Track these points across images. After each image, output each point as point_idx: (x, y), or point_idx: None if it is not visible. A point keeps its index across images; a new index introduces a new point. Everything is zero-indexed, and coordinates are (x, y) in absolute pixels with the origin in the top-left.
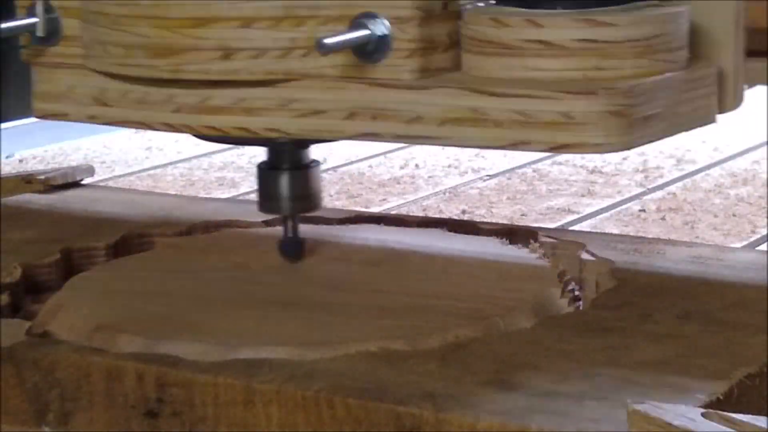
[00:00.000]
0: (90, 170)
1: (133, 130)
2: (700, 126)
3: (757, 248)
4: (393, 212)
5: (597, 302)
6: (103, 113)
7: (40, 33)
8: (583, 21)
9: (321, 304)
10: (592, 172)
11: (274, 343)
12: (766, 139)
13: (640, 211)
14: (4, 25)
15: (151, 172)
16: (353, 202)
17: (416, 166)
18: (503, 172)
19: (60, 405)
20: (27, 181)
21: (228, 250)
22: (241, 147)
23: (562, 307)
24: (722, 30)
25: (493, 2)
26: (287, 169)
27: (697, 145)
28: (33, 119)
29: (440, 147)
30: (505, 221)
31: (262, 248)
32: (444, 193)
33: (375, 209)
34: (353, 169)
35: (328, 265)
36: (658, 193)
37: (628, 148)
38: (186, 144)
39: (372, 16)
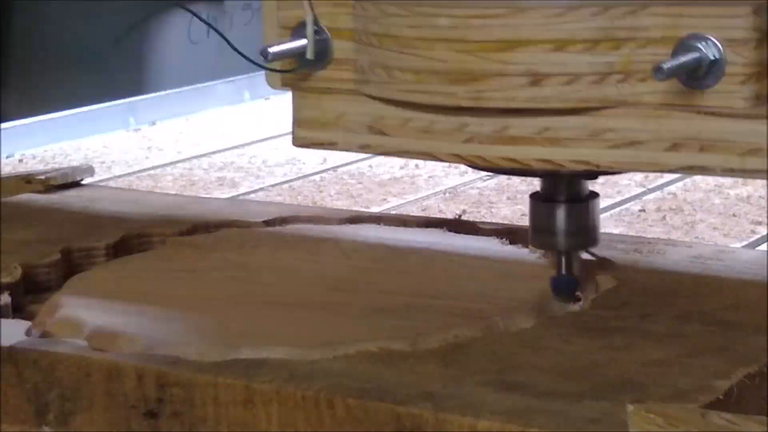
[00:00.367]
0: (90, 170)
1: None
2: None
3: (757, 248)
4: (393, 212)
5: (597, 302)
6: (380, 142)
7: (309, 56)
8: None
9: (321, 304)
10: None
11: (274, 343)
12: None
13: (640, 211)
14: (273, 50)
15: (151, 172)
16: (353, 202)
17: (416, 166)
18: None
19: (60, 405)
20: (27, 181)
21: (228, 250)
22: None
23: (562, 308)
24: None
25: None
26: (564, 201)
27: None
28: (33, 119)
29: None
30: (505, 221)
31: (262, 248)
32: (444, 193)
33: (375, 209)
34: (353, 169)
35: (328, 265)
36: (658, 193)
37: None
38: (186, 144)
39: (702, 38)
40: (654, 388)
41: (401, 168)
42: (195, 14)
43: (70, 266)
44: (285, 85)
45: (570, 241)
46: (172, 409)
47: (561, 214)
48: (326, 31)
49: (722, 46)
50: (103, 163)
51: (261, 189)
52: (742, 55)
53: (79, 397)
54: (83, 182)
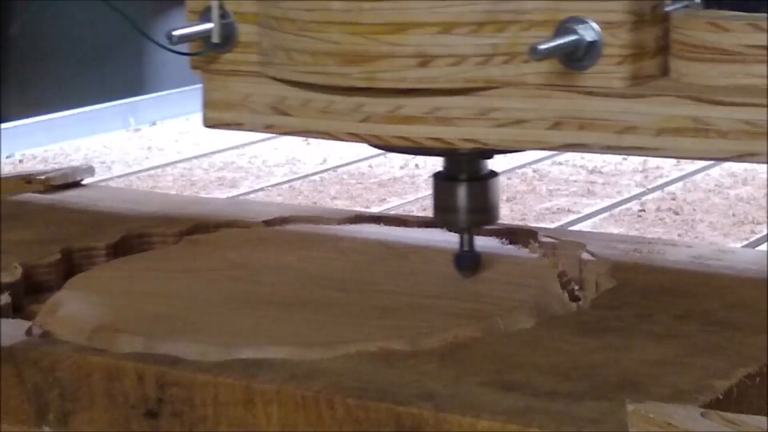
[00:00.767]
0: (90, 170)
1: (132, 130)
2: None
3: (757, 248)
4: (393, 212)
5: (597, 302)
6: (282, 122)
7: (214, 39)
8: None
9: (321, 304)
10: (592, 172)
11: (274, 343)
12: None
13: (640, 211)
14: (178, 32)
15: (151, 172)
16: (353, 202)
17: (416, 166)
18: (503, 172)
19: (60, 405)
20: (27, 181)
21: (228, 250)
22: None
23: (562, 307)
24: None
25: (698, 2)
26: (465, 180)
27: None
28: (33, 119)
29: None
30: (505, 221)
31: (262, 248)
32: None
33: (375, 209)
34: (353, 169)
35: (328, 264)
36: (658, 193)
37: None
38: (186, 144)
39: (580, 20)
40: (654, 388)
41: (401, 168)
42: (114, 8)
43: (70, 266)
44: (195, 68)
45: (470, 218)
46: (172, 409)
47: (462, 192)
48: (231, 15)
49: (600, 28)
50: (103, 163)
51: (261, 189)
52: (619, 37)
53: (79, 397)
54: (83, 182)
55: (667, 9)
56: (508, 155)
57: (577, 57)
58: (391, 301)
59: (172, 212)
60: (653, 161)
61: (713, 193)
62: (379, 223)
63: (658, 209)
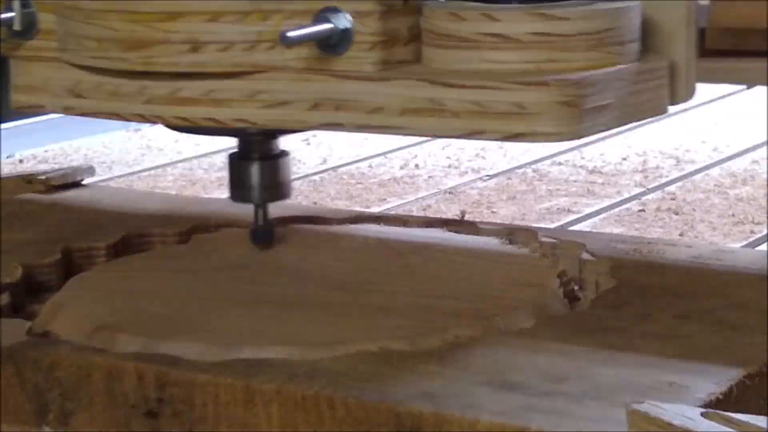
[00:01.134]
0: (90, 170)
1: (132, 130)
2: (652, 116)
3: (757, 248)
4: (393, 212)
5: (597, 302)
6: (78, 104)
7: (16, 27)
8: (537, 15)
9: (321, 304)
10: (592, 172)
11: (274, 343)
12: (765, 139)
13: (640, 211)
14: None
15: (151, 172)
16: (353, 202)
17: (416, 166)
18: (503, 172)
19: (60, 405)
20: (27, 181)
21: (228, 250)
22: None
23: (562, 307)
24: (675, 24)
25: None
26: (257, 159)
27: (696, 145)
28: (33, 119)
29: (400, 138)
30: (505, 221)
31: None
32: (444, 193)
33: (375, 209)
34: (353, 169)
35: (329, 265)
36: (658, 193)
37: (579, 137)
38: (186, 144)
39: (335, 10)
40: (654, 388)
41: (401, 168)
42: None
43: (70, 266)
44: (3, 53)
45: (264, 194)
46: (172, 409)
47: (255, 170)
48: (32, 4)
49: (352, 17)
50: (103, 163)
51: None
52: (368, 25)
53: (79, 397)
54: (83, 182)
55: (423, 1)
56: (509, 155)
57: (331, 43)
58: (391, 301)
59: (172, 212)
60: (653, 161)
61: (713, 193)
62: (379, 223)
63: (658, 209)
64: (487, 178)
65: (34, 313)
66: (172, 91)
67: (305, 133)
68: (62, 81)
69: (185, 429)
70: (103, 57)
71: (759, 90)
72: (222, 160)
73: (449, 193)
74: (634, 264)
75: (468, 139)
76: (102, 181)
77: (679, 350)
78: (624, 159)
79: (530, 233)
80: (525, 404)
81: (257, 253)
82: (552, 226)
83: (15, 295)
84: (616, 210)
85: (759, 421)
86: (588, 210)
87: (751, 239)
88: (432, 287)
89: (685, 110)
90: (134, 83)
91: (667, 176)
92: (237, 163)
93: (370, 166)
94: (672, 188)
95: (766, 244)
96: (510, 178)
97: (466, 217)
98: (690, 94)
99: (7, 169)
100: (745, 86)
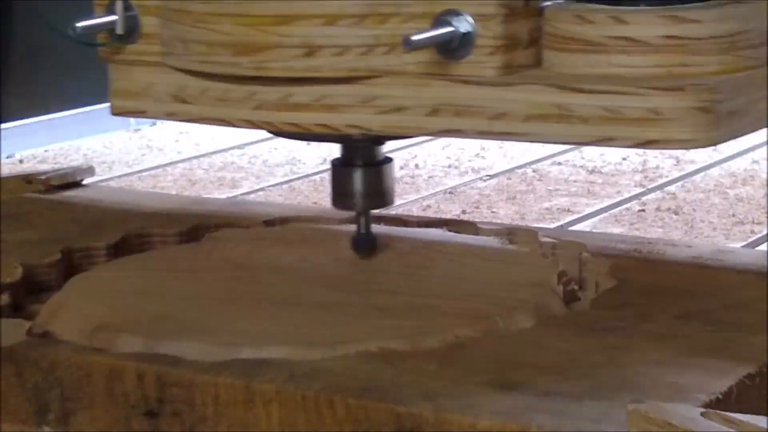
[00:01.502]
0: (90, 170)
1: (132, 130)
2: None
3: (757, 248)
4: (393, 212)
5: (597, 302)
6: (183, 110)
7: (119, 31)
8: (668, 17)
9: (321, 304)
10: (592, 172)
11: (274, 343)
12: (765, 139)
13: (640, 211)
14: (82, 24)
15: (151, 172)
16: None
17: (416, 166)
18: (503, 172)
19: (60, 405)
20: (27, 181)
21: (228, 250)
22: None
23: (562, 308)
24: None
25: None
26: (361, 165)
27: None
28: (33, 119)
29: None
30: (505, 221)
31: (262, 248)
32: (444, 193)
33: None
34: None
35: (329, 264)
36: (658, 193)
37: (714, 144)
38: (186, 144)
39: (456, 13)
40: (654, 388)
41: (401, 168)
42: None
43: (70, 266)
44: (102, 58)
45: (366, 202)
46: (172, 409)
47: (358, 177)
48: (134, 7)
49: (474, 20)
50: (103, 163)
51: (261, 189)
52: (491, 29)
53: (79, 397)
54: (83, 182)
55: (543, 3)
56: (509, 155)
57: (452, 47)
58: (391, 301)
59: (172, 212)
60: (653, 162)
61: (713, 193)
62: (379, 223)
63: (658, 209)
64: (487, 178)
65: (34, 313)
66: (283, 97)
67: None
68: (165, 86)
69: (185, 429)
70: (211, 61)
71: None
72: (222, 160)
73: (449, 193)
74: (634, 264)
75: (597, 146)
76: (102, 181)
77: (679, 350)
78: (624, 159)
79: (530, 233)
80: (525, 404)
81: (257, 253)
82: (552, 226)
83: (15, 295)
84: (616, 210)
85: (759, 421)
86: (588, 210)
87: (751, 239)
88: (432, 287)
89: None
90: (243, 88)
91: (667, 176)
92: (339, 170)
93: None
94: (672, 188)
95: (766, 244)
96: (510, 178)
97: (466, 217)
98: None
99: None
100: None
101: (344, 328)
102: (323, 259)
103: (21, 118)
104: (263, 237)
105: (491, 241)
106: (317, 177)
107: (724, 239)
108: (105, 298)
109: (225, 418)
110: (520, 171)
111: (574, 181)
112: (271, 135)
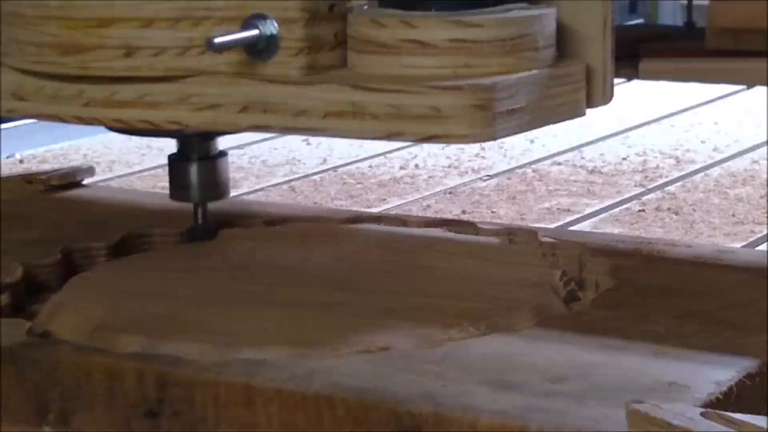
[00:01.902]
0: (90, 170)
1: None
2: (569, 119)
3: (757, 248)
4: (393, 212)
5: (597, 302)
6: (21, 107)
7: None
8: (453, 22)
9: (321, 304)
10: (592, 172)
11: (274, 343)
12: (766, 139)
13: (640, 211)
14: None
15: (152, 172)
16: (353, 202)
17: (416, 166)
18: (503, 172)
19: (60, 405)
20: (27, 181)
21: (228, 250)
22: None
23: (562, 308)
24: (591, 29)
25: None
26: (196, 159)
27: (696, 145)
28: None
29: (353, 141)
30: (505, 221)
31: (262, 248)
32: (444, 193)
33: (375, 209)
34: (353, 169)
35: (329, 264)
36: (658, 193)
37: (492, 139)
38: None
39: (262, 17)
40: (654, 388)
41: (401, 168)
42: None
43: (70, 266)
44: None
45: (203, 193)
46: (172, 409)
47: (194, 170)
48: None
49: (278, 24)
50: (103, 163)
51: (261, 189)
52: (295, 32)
53: (79, 397)
54: (83, 182)
55: (348, 8)
56: (509, 155)
57: (258, 49)
58: (391, 301)
59: (172, 212)
60: (653, 161)
61: (713, 193)
62: (379, 223)
63: (658, 209)
64: (487, 178)
65: (34, 313)
66: (108, 95)
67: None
68: (6, 85)
69: (185, 429)
70: (41, 62)
71: (759, 90)
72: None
73: (449, 193)
74: (634, 264)
75: (387, 140)
76: (102, 181)
77: (679, 350)
78: (624, 159)
79: (530, 233)
80: (525, 404)
81: (257, 253)
82: (552, 226)
83: (15, 295)
84: (616, 210)
85: (759, 421)
86: (588, 210)
87: (751, 239)
88: (432, 287)
89: (685, 110)
90: (72, 87)
91: (667, 176)
92: (176, 164)
93: (370, 166)
94: (672, 188)
95: (766, 244)
96: (510, 178)
97: (466, 217)
98: (608, 97)
99: (7, 169)
100: (745, 86)
101: (344, 328)
102: (323, 259)
103: (21, 118)
104: (263, 237)
105: (491, 241)
106: (317, 177)
107: (724, 239)
108: (105, 298)
109: (225, 418)
110: (520, 171)
111: (574, 181)
112: (271, 135)
